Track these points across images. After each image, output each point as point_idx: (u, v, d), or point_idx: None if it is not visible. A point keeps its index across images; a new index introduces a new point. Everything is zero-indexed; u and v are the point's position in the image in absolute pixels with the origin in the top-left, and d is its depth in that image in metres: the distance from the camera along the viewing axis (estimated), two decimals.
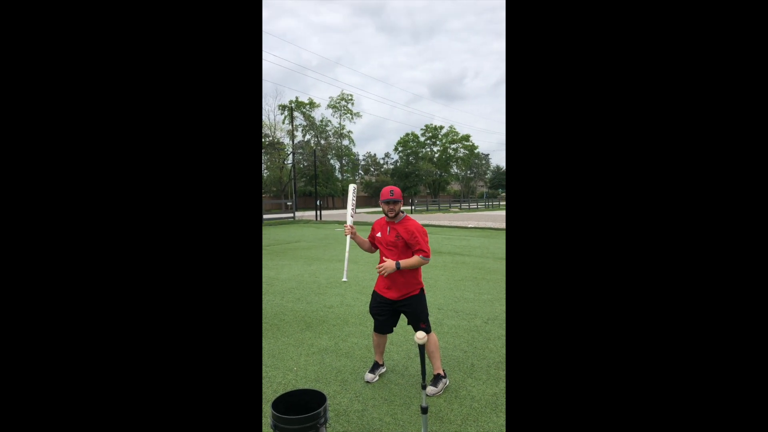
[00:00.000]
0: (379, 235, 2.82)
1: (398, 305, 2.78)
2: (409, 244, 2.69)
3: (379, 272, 2.69)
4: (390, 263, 2.63)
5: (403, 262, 2.64)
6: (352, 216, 2.95)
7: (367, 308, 4.60)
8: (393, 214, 2.74)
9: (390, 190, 2.77)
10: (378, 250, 2.90)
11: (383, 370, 3.01)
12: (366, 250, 2.93)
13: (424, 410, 1.84)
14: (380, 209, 2.86)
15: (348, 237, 2.82)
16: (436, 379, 2.74)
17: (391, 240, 2.74)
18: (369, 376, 2.89)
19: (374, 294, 2.89)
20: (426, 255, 2.67)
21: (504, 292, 5.38)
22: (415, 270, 2.74)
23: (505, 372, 3.01)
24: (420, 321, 2.73)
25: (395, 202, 2.75)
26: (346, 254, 2.85)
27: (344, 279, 2.85)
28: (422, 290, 2.80)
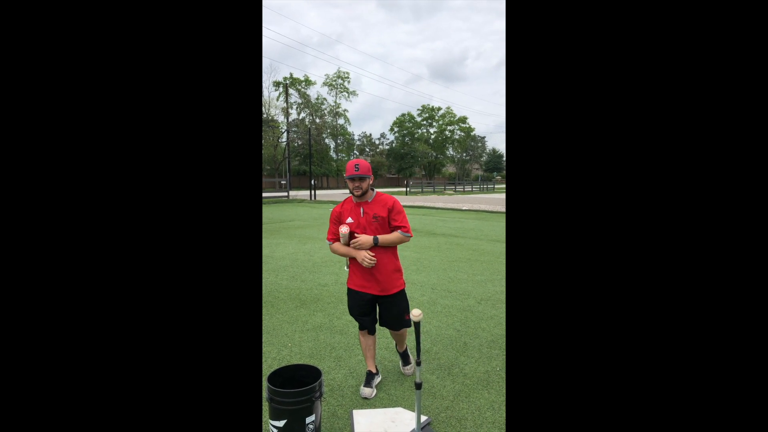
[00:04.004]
0: (350, 220, 2.39)
1: (381, 301, 2.44)
2: (390, 220, 2.36)
3: (354, 247, 2.32)
4: (366, 238, 2.30)
5: (382, 238, 2.32)
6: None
7: None
8: (360, 192, 2.34)
9: (354, 164, 2.31)
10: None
11: (379, 379, 2.56)
12: (345, 255, 2.43)
13: (418, 386, 1.87)
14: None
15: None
16: (408, 357, 2.69)
17: (368, 222, 2.36)
18: (366, 391, 2.40)
19: (351, 293, 2.48)
20: (407, 231, 2.38)
21: (497, 273, 5.44)
22: (395, 261, 2.43)
23: (496, 351, 3.06)
24: (402, 318, 2.45)
25: (361, 179, 2.32)
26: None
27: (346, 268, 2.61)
28: (404, 288, 2.48)
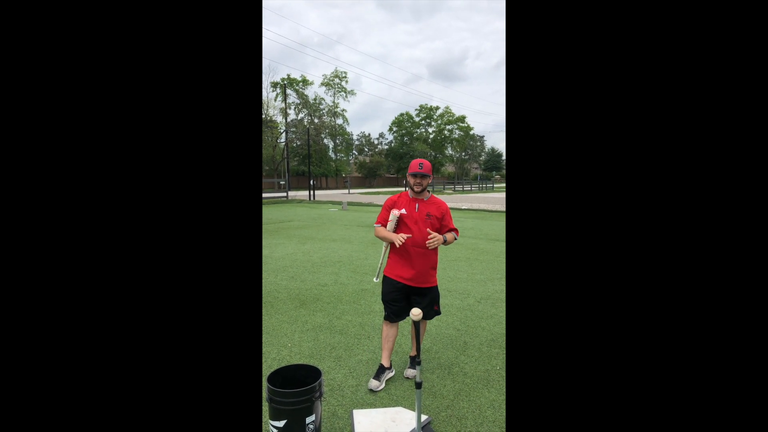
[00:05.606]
0: (404, 211, 2.57)
1: (415, 292, 2.59)
2: (443, 223, 2.58)
3: (429, 245, 2.44)
4: (440, 236, 2.48)
5: (449, 237, 2.56)
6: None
7: (362, 287, 4.66)
8: (420, 189, 2.53)
9: (419, 163, 2.53)
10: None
11: (391, 374, 2.64)
12: (384, 238, 2.63)
13: (419, 385, 1.86)
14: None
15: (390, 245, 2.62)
16: (414, 361, 2.68)
17: (421, 218, 2.54)
18: (374, 383, 2.49)
19: (388, 280, 2.63)
20: (457, 233, 2.64)
21: (496, 272, 5.44)
22: (435, 259, 2.61)
23: (496, 350, 3.06)
24: (432, 308, 2.63)
25: (423, 177, 2.52)
26: (382, 257, 2.75)
27: (376, 279, 2.88)
28: (437, 285, 2.66)
